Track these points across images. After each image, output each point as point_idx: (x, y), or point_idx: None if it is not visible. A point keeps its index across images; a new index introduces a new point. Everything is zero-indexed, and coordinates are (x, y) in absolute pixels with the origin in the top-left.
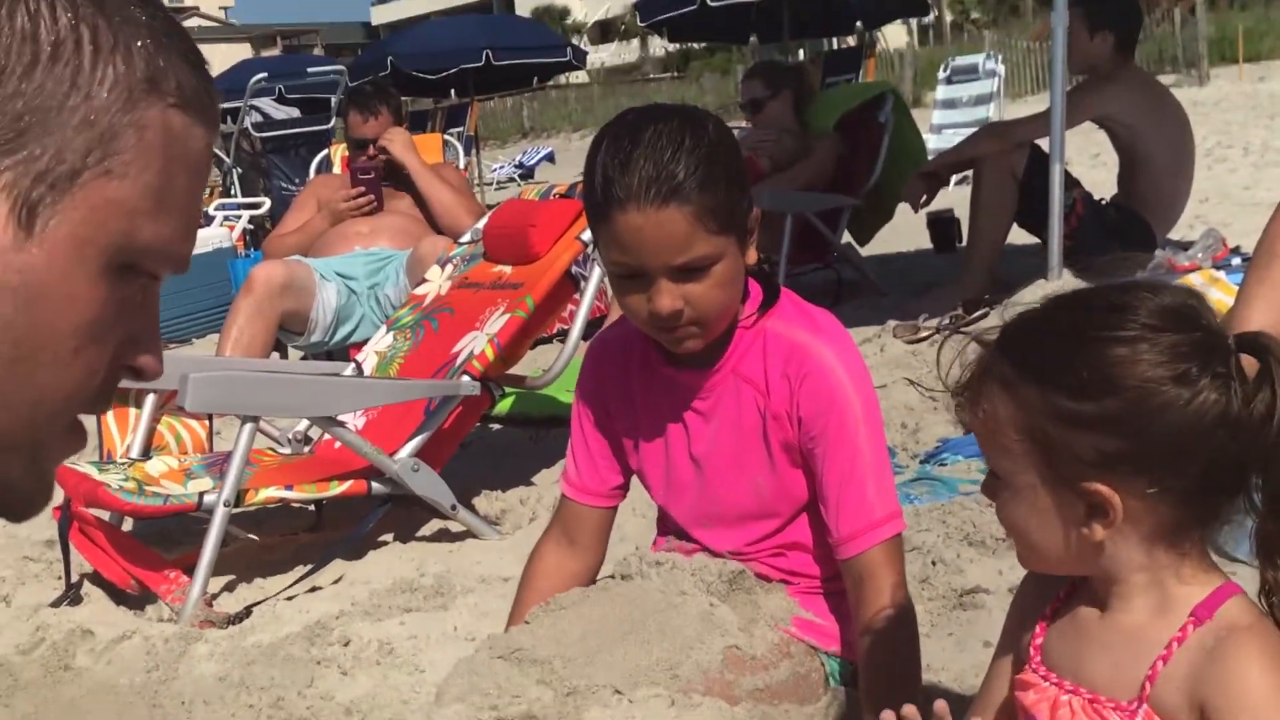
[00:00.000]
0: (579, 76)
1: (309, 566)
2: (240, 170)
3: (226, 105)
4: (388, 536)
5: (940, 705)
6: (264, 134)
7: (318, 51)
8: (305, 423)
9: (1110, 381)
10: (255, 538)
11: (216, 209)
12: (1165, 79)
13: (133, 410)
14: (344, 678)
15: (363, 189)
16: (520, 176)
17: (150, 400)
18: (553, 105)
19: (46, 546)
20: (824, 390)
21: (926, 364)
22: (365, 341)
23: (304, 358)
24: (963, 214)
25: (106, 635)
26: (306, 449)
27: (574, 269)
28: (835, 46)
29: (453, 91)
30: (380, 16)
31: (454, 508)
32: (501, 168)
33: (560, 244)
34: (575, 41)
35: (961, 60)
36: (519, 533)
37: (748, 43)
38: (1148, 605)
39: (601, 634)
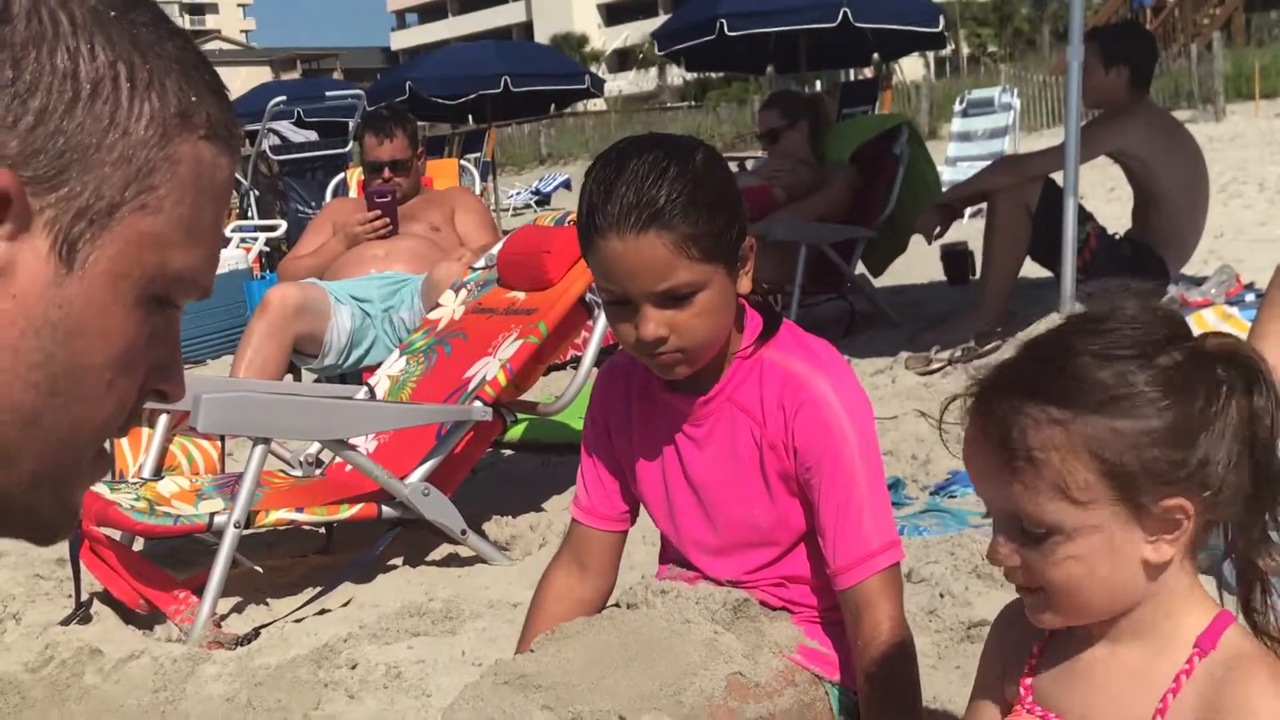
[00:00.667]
0: (597, 104)
1: (318, 589)
2: (257, 193)
3: (245, 128)
4: (397, 560)
5: None
6: (281, 157)
7: (337, 75)
8: (317, 445)
9: (1169, 390)
10: (260, 569)
11: (233, 231)
12: (1181, 114)
13: (145, 430)
14: (351, 701)
15: (378, 212)
16: (537, 203)
17: (163, 420)
18: (570, 132)
19: (57, 565)
20: (819, 421)
21: (938, 396)
22: (379, 365)
23: (317, 380)
24: (976, 246)
25: (115, 654)
26: (318, 471)
27: (587, 296)
28: (852, 78)
29: (470, 117)
30: (400, 42)
31: (464, 532)
32: (518, 194)
33: (574, 271)
34: (593, 69)
35: (978, 93)
36: (529, 558)
37: (765, 73)
38: (1150, 639)
39: (606, 661)
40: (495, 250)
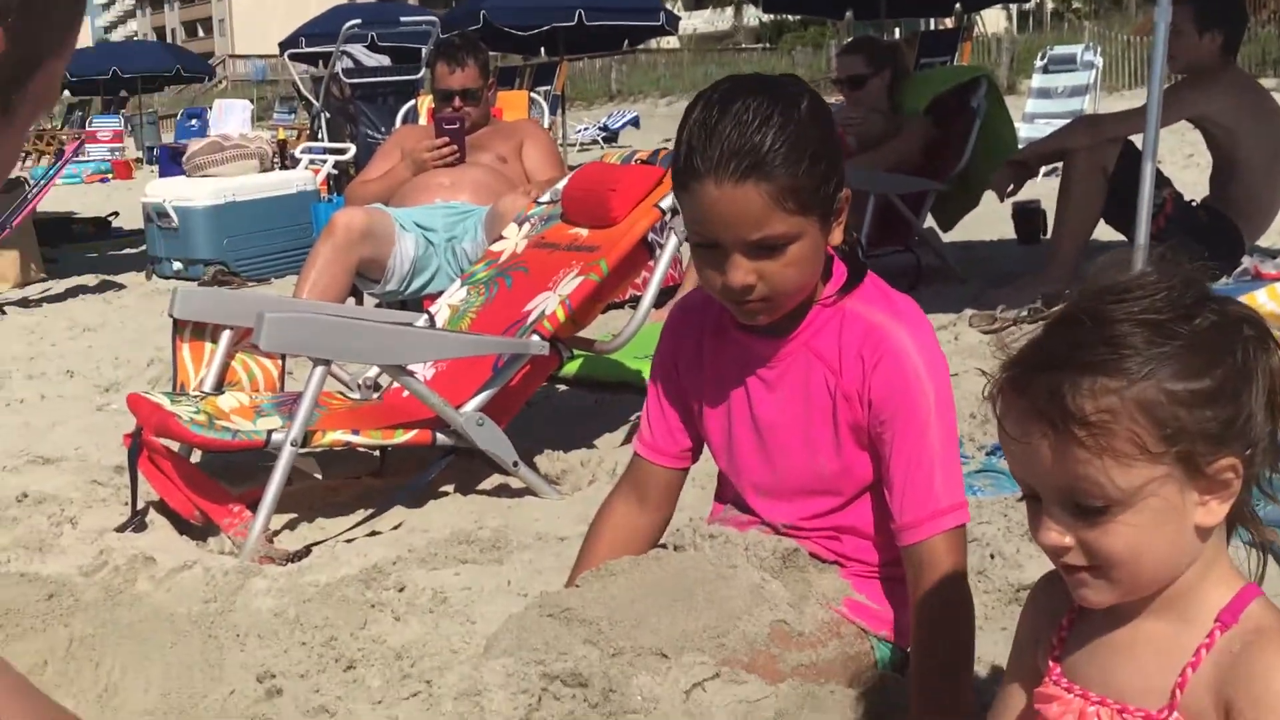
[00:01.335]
0: (670, 42)
1: (369, 511)
2: (328, 115)
3: (319, 49)
4: (448, 488)
5: None
6: (353, 80)
7: (412, 1)
8: (375, 369)
9: (1213, 349)
10: (319, 476)
11: (303, 152)
12: (1267, 82)
13: (208, 345)
14: (397, 623)
15: (447, 140)
16: (604, 139)
17: (226, 336)
18: (641, 69)
19: (115, 472)
20: (898, 374)
21: (1001, 355)
22: (439, 293)
23: (378, 305)
24: (1049, 205)
25: (168, 563)
26: (375, 395)
27: (650, 236)
28: (932, 27)
29: (543, 49)
30: None
31: (516, 464)
32: (586, 129)
33: (639, 210)
34: (669, 6)
35: (1060, 50)
36: (578, 494)
37: (843, 18)
38: (1177, 611)
39: (650, 599)
40: (560, 186)
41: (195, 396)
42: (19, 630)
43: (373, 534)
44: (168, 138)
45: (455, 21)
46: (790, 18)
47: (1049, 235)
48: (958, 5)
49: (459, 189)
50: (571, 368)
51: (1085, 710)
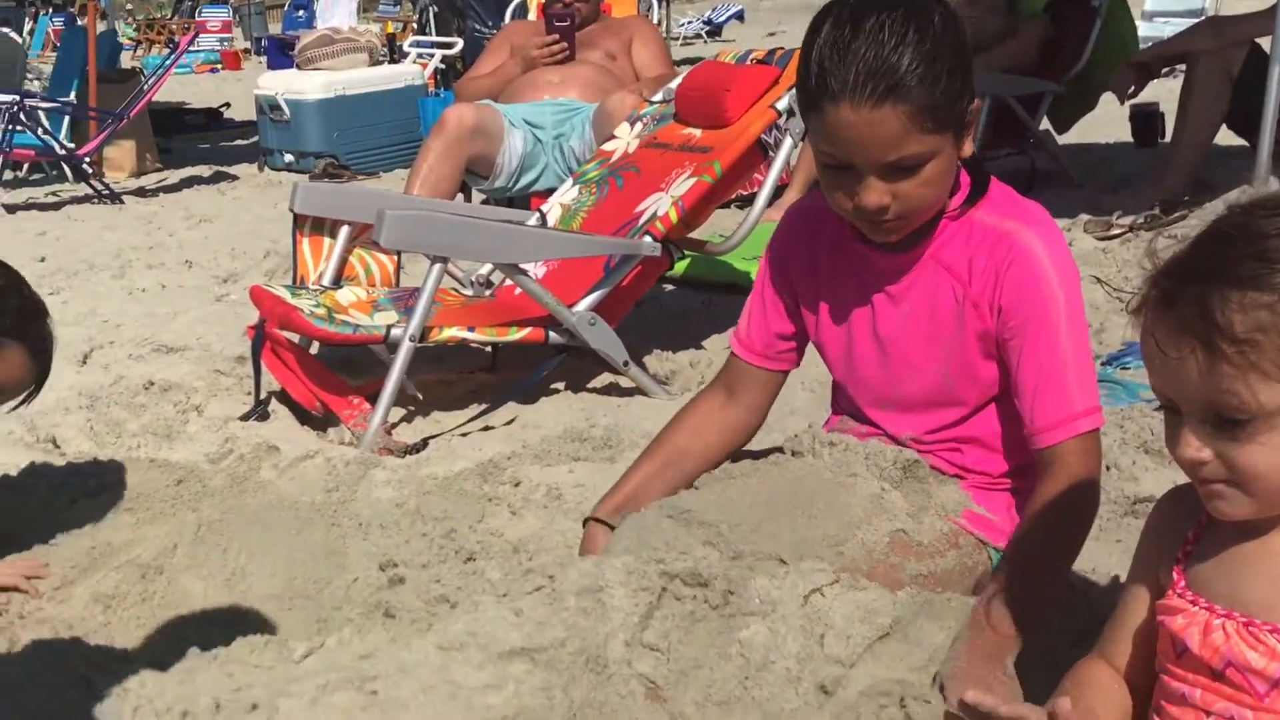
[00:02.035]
0: None
1: (483, 406)
2: (436, 9)
3: None
4: (560, 385)
5: (1064, 707)
6: None
7: None
8: (488, 267)
9: None
10: (419, 395)
11: (410, 46)
12: None
13: (326, 239)
14: (513, 517)
15: (556, 36)
16: (708, 33)
17: (344, 231)
18: None
19: (238, 362)
20: (1029, 279)
21: (1116, 262)
22: (547, 191)
23: (485, 201)
24: (1169, 109)
25: (290, 453)
26: (488, 292)
27: (764, 137)
28: None
29: None
30: None
31: (626, 364)
32: (690, 22)
33: (753, 111)
34: None
35: None
36: (686, 394)
37: None
38: None
39: (769, 505)
40: (673, 85)
41: (315, 290)
42: (149, 514)
43: (486, 429)
44: (275, 28)
45: None
46: None
47: (1168, 139)
48: None
49: (568, 86)
50: (680, 267)
51: (1210, 623)
